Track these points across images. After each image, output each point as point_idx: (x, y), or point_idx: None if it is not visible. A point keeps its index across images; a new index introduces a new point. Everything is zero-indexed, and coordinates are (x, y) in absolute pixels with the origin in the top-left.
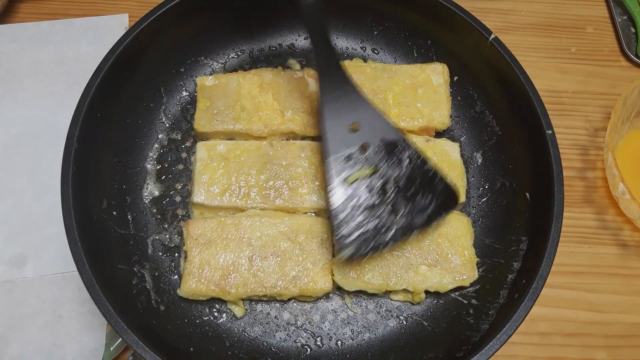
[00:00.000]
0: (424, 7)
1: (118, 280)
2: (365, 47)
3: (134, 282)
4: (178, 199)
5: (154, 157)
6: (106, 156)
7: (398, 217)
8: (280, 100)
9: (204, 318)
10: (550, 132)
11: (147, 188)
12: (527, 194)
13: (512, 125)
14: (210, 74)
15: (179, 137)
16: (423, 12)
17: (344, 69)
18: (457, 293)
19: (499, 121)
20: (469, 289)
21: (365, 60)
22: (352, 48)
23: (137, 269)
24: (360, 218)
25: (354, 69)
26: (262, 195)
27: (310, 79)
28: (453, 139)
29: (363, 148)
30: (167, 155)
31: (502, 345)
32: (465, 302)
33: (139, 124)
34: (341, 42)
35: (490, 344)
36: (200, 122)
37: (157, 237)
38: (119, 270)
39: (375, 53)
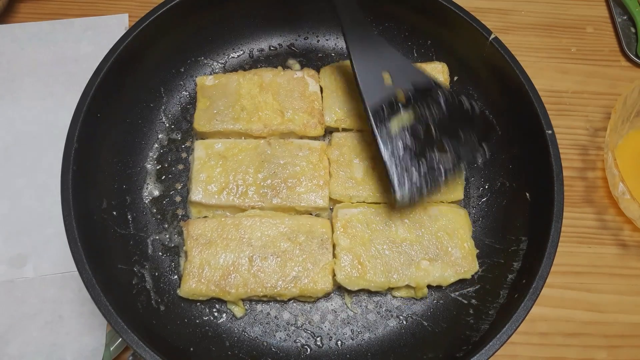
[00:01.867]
0: (424, 7)
1: (118, 280)
2: None
3: (134, 282)
4: (178, 199)
5: (154, 157)
6: (106, 156)
7: (446, 155)
8: (280, 100)
9: (204, 318)
10: (550, 132)
11: (147, 188)
12: (527, 194)
13: (512, 125)
14: (210, 74)
15: (179, 137)
16: (423, 12)
17: (366, 21)
18: (457, 293)
19: (499, 121)
20: (468, 289)
21: None
22: None
23: (137, 269)
24: (411, 164)
25: None
26: (259, 193)
27: (310, 79)
28: None
29: (399, 95)
30: (167, 155)
31: (502, 345)
32: (465, 302)
33: (139, 124)
34: (341, 42)
35: (490, 344)
36: (200, 122)
37: (157, 237)
38: (119, 270)
39: None
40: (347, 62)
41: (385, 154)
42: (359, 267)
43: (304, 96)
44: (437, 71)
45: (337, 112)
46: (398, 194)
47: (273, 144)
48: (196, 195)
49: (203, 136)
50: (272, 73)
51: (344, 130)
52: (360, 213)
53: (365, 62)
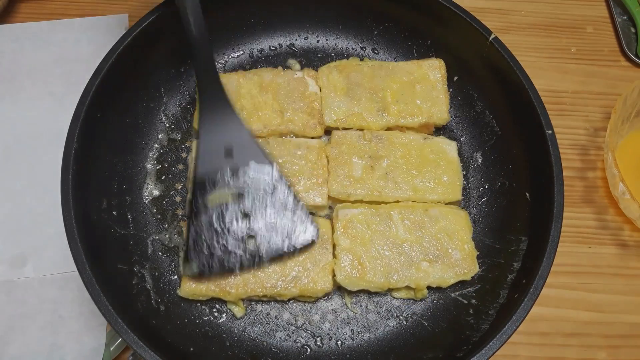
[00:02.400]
0: (424, 7)
1: (118, 280)
2: (365, 47)
3: (134, 282)
4: (178, 199)
5: (154, 157)
6: (106, 156)
7: (251, 245)
8: (280, 100)
9: (204, 318)
10: (550, 132)
11: (147, 188)
12: (527, 194)
13: (512, 125)
14: None
15: (179, 137)
16: (423, 12)
17: (225, 92)
18: (457, 293)
19: (499, 121)
20: (468, 289)
21: (362, 59)
22: (352, 48)
23: (137, 269)
24: (214, 239)
25: (351, 68)
26: None
27: (310, 79)
28: (453, 138)
29: (232, 171)
30: (167, 155)
31: (502, 345)
32: (465, 302)
33: (139, 124)
34: (341, 42)
35: (490, 344)
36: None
37: (157, 237)
38: (119, 270)
39: (375, 53)
40: (345, 61)
41: (193, 220)
42: (359, 267)
43: (304, 96)
44: (434, 67)
45: (336, 111)
46: (190, 266)
47: (271, 142)
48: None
49: None
50: (272, 73)
51: (344, 129)
52: (361, 213)
53: (212, 132)
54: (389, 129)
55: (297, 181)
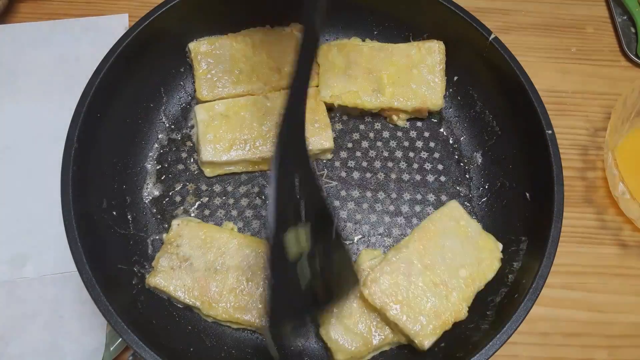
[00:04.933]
0: (424, 7)
1: (118, 280)
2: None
3: (134, 282)
4: (178, 199)
5: (154, 157)
6: (106, 156)
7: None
8: (275, 57)
9: (204, 318)
10: (550, 132)
11: (147, 188)
12: (527, 194)
13: (512, 125)
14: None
15: (179, 137)
16: (423, 12)
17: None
18: None
19: (499, 121)
20: None
21: (363, 40)
22: None
23: (137, 269)
24: (292, 296)
25: (351, 48)
26: (267, 144)
27: (300, 34)
28: (453, 137)
29: (304, 221)
30: (167, 155)
31: (502, 345)
32: None
33: (139, 124)
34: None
35: (490, 344)
36: (203, 92)
37: (157, 237)
38: (119, 270)
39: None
40: (345, 40)
41: (278, 278)
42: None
43: (297, 50)
44: (433, 51)
45: (332, 87)
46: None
47: (271, 97)
48: (207, 155)
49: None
50: (262, 32)
51: (340, 107)
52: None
53: (288, 157)
54: (382, 110)
55: None
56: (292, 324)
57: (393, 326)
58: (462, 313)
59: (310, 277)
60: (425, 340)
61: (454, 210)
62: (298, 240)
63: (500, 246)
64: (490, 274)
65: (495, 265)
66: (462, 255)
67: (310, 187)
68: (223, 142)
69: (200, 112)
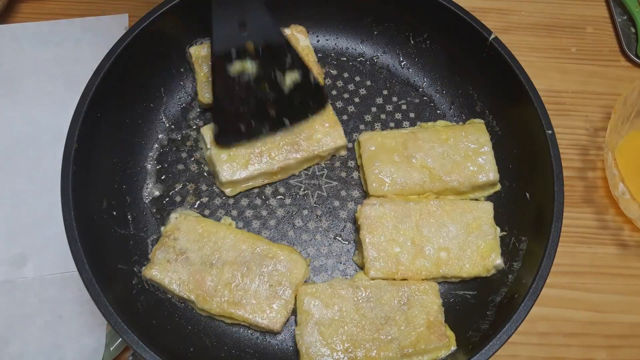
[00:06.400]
0: (424, 7)
1: (118, 280)
2: (364, 51)
3: (134, 282)
4: (178, 199)
5: (154, 157)
6: (106, 156)
7: (272, 112)
8: None
9: (205, 319)
10: (550, 132)
11: (147, 188)
12: (527, 194)
13: (512, 125)
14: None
15: (179, 137)
16: (423, 12)
17: None
18: (456, 293)
19: (499, 121)
20: (468, 289)
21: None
22: (352, 48)
23: (137, 269)
24: (239, 108)
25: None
26: (282, 153)
27: (300, 35)
28: None
29: (248, 47)
30: (167, 155)
31: (502, 345)
32: (465, 302)
33: (139, 124)
34: (341, 42)
35: (490, 344)
36: (205, 95)
37: (157, 237)
38: (119, 270)
39: (375, 59)
40: (384, 132)
41: (219, 91)
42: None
43: (298, 50)
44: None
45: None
46: (217, 134)
47: None
48: (225, 175)
49: (208, 107)
50: None
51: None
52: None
53: (225, 7)
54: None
55: (313, 130)
56: (239, 126)
57: (359, 246)
58: (415, 277)
59: (260, 96)
60: (372, 271)
61: (483, 210)
62: (244, 68)
63: (500, 265)
64: (465, 274)
65: (479, 271)
66: (455, 244)
67: (260, 26)
68: (239, 159)
69: (208, 133)
